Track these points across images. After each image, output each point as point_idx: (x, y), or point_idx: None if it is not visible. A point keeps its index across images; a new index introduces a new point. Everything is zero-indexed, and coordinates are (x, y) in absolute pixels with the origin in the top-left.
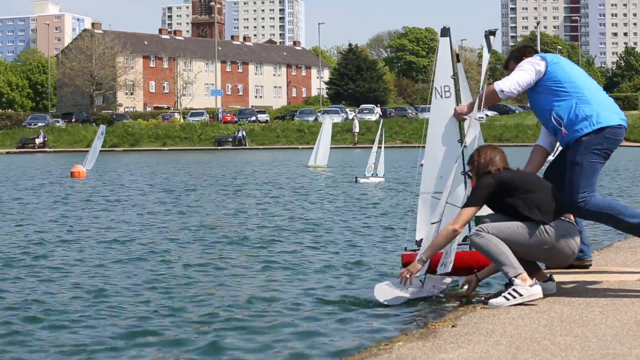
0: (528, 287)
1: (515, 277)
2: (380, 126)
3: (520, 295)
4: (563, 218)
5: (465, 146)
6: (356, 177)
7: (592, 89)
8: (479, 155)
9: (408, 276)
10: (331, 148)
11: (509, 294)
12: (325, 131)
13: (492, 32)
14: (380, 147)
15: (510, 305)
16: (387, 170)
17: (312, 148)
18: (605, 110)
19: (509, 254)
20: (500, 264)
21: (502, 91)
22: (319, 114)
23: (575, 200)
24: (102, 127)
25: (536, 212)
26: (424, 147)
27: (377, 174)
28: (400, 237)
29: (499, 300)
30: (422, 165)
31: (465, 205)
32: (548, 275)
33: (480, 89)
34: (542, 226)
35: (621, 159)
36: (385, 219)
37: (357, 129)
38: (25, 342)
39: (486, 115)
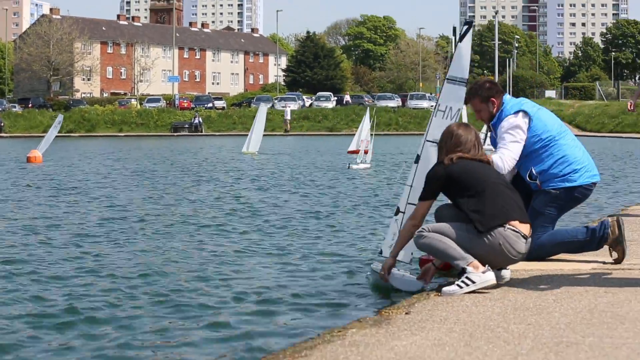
0: (481, 274)
1: (467, 265)
2: (368, 113)
3: (473, 282)
4: (506, 226)
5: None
6: (349, 164)
7: (569, 143)
8: (448, 135)
9: (384, 273)
10: (264, 135)
11: (462, 281)
12: (260, 118)
13: (468, 23)
14: (372, 135)
15: (464, 293)
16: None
17: (267, 135)
18: (580, 169)
19: (456, 246)
20: (450, 259)
21: (503, 169)
22: (276, 101)
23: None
24: (60, 117)
25: (477, 218)
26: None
27: (365, 161)
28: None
29: (452, 287)
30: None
31: (419, 199)
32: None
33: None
34: (481, 233)
35: None
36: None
37: (288, 117)
38: None
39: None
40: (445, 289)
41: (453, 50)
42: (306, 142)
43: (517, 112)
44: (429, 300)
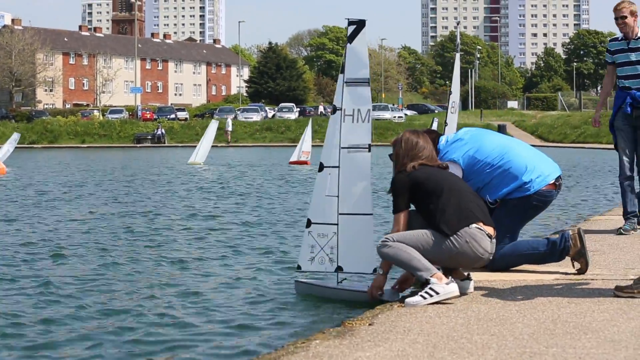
0: (444, 285)
1: (430, 277)
2: (310, 125)
3: (437, 293)
4: (471, 226)
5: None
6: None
7: (514, 160)
8: (402, 142)
9: (375, 293)
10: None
11: (426, 292)
12: (210, 131)
13: (355, 22)
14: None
15: (428, 304)
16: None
17: (232, 146)
18: (532, 178)
19: (420, 257)
20: (413, 270)
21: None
22: (239, 112)
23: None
24: (16, 135)
25: (443, 221)
26: None
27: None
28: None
29: (416, 299)
30: None
31: (394, 212)
32: (465, 274)
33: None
34: (448, 236)
35: None
36: None
37: (229, 128)
38: None
39: (405, 114)
40: (408, 300)
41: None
42: (254, 153)
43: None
44: (392, 311)
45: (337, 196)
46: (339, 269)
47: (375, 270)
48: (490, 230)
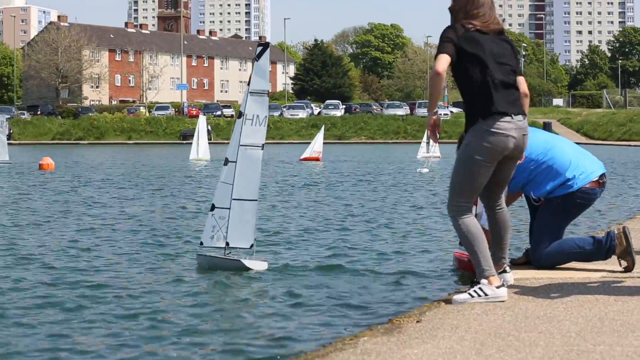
0: (494, 289)
1: (484, 277)
2: (323, 127)
3: (486, 295)
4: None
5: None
6: (419, 171)
7: (557, 157)
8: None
9: (435, 131)
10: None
11: (474, 291)
12: (202, 126)
13: (264, 44)
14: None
15: (474, 303)
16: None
17: (276, 143)
18: (575, 174)
19: (485, 253)
20: (474, 260)
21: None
22: (284, 109)
23: (536, 254)
24: (2, 117)
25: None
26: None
27: (429, 166)
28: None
29: (464, 296)
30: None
31: (437, 53)
32: (505, 267)
33: None
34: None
35: None
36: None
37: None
38: None
39: (451, 112)
40: (456, 297)
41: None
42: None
43: None
44: (439, 309)
45: (232, 184)
46: (227, 244)
47: (252, 245)
48: None
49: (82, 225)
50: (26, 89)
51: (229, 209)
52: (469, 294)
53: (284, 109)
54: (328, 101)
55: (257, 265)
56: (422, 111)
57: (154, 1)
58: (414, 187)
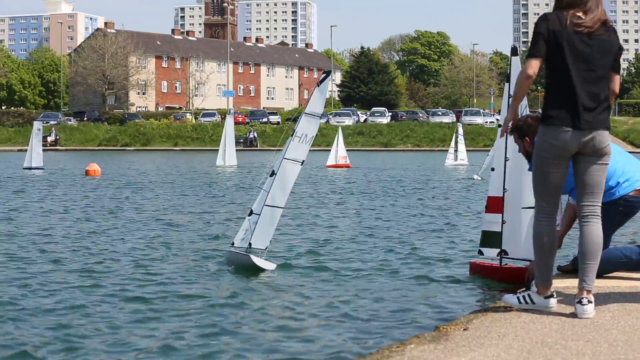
0: (542, 299)
1: (536, 284)
2: (340, 132)
3: (533, 303)
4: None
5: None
6: (475, 176)
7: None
8: None
9: (509, 124)
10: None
11: (523, 297)
12: (229, 130)
13: (327, 72)
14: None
15: (520, 309)
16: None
17: (322, 150)
18: (620, 182)
19: (547, 262)
20: (536, 264)
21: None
22: (331, 116)
23: None
24: (38, 124)
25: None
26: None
27: (481, 175)
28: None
29: (512, 299)
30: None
31: (527, 57)
32: (582, 297)
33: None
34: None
35: None
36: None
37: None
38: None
39: (497, 119)
40: (506, 296)
41: (509, 69)
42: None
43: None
44: (486, 317)
45: (268, 192)
46: (249, 245)
47: (266, 248)
48: None
49: (125, 227)
50: (73, 95)
51: (259, 214)
52: (518, 298)
53: (330, 116)
54: (374, 108)
55: (265, 264)
56: (468, 119)
57: (200, 8)
58: (460, 194)
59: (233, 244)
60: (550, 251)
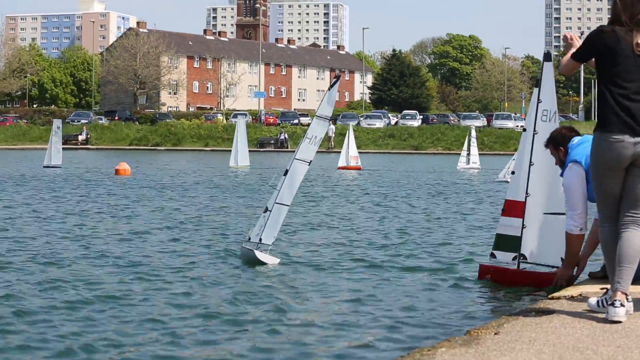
0: (612, 306)
1: (612, 290)
2: (351, 129)
3: (605, 307)
4: None
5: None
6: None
7: None
8: None
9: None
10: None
11: (601, 300)
12: (241, 132)
13: (337, 77)
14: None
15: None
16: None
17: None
18: None
19: (614, 265)
20: (611, 270)
21: (580, 229)
22: (362, 118)
23: None
24: (57, 122)
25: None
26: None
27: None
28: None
29: (593, 302)
30: (512, 173)
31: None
32: (615, 299)
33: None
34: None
35: None
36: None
37: (331, 134)
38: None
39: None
40: (590, 300)
41: (540, 74)
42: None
43: (568, 165)
44: (517, 321)
45: (279, 190)
46: (260, 240)
47: (272, 243)
48: None
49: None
50: (104, 94)
51: (271, 211)
52: (597, 301)
53: (361, 119)
54: (405, 111)
55: (268, 259)
56: (499, 123)
57: (232, 9)
58: (470, 197)
59: (250, 239)
60: (612, 252)
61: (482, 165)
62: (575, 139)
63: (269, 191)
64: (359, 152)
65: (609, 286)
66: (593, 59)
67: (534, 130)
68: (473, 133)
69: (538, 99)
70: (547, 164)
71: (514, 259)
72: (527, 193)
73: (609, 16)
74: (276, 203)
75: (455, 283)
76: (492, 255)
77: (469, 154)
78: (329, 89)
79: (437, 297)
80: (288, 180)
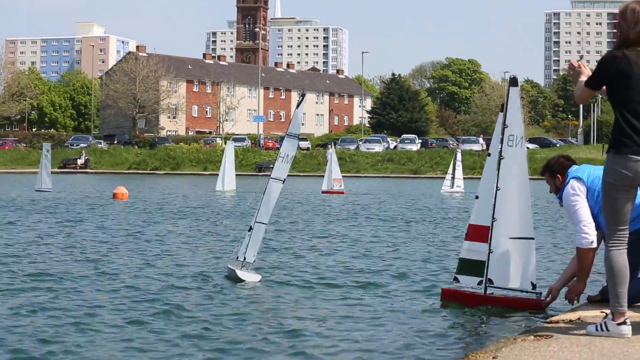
0: (616, 325)
1: (611, 311)
2: (333, 150)
3: (608, 330)
4: None
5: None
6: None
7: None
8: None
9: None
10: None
11: (600, 325)
12: (229, 156)
13: (303, 95)
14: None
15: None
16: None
17: (352, 176)
18: None
19: (620, 289)
20: (611, 293)
21: (592, 242)
22: (361, 142)
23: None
24: (47, 146)
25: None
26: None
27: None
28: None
29: (591, 328)
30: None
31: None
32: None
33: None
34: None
35: None
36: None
37: (329, 157)
38: None
39: (527, 147)
40: (588, 327)
41: (506, 99)
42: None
43: (568, 182)
44: (516, 345)
45: (258, 209)
46: (244, 259)
47: (253, 261)
48: None
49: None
50: (103, 118)
51: (252, 229)
52: (595, 326)
53: (360, 143)
54: (404, 135)
55: (250, 277)
56: None
57: (232, 33)
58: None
59: (238, 257)
60: (620, 277)
61: (469, 189)
62: (574, 167)
63: (250, 213)
64: (359, 177)
65: (608, 310)
66: (604, 87)
67: (500, 155)
68: (459, 156)
69: (504, 124)
70: (514, 189)
71: (479, 283)
72: (493, 218)
73: (612, 40)
74: (256, 222)
75: (441, 306)
76: (456, 279)
77: (453, 177)
78: (296, 108)
79: (431, 322)
80: (265, 199)
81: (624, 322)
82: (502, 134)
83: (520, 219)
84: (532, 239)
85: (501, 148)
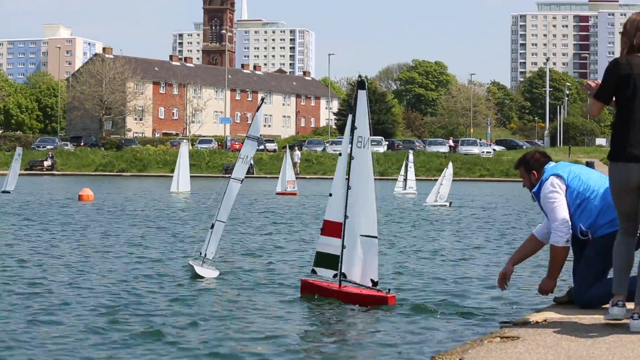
0: (611, 306)
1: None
2: (288, 153)
3: (608, 313)
4: None
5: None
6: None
7: (607, 192)
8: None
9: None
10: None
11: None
12: (183, 157)
13: (262, 99)
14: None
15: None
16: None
17: (319, 178)
18: None
19: (622, 275)
20: (614, 275)
21: (567, 241)
22: (327, 144)
23: (579, 294)
24: (19, 150)
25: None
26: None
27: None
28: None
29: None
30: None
31: (594, 96)
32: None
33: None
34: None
35: None
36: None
37: (297, 160)
38: None
39: (493, 149)
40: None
41: (354, 101)
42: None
43: (548, 178)
44: (482, 347)
45: (219, 209)
46: (205, 255)
47: (213, 258)
48: None
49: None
50: (70, 120)
51: (212, 227)
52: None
53: (327, 145)
54: (371, 137)
55: (207, 273)
56: (464, 149)
57: (198, 35)
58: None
59: (201, 254)
60: (626, 266)
61: (421, 191)
62: (551, 164)
63: (207, 213)
64: (325, 178)
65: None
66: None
67: (351, 155)
68: (410, 157)
69: (353, 126)
70: (362, 188)
71: (334, 276)
72: (346, 215)
73: (577, 42)
74: (217, 220)
75: (414, 308)
76: (313, 272)
77: (405, 179)
78: (256, 111)
79: (394, 324)
80: (226, 198)
81: (616, 304)
82: (352, 134)
83: (367, 218)
84: (376, 237)
85: (351, 148)
